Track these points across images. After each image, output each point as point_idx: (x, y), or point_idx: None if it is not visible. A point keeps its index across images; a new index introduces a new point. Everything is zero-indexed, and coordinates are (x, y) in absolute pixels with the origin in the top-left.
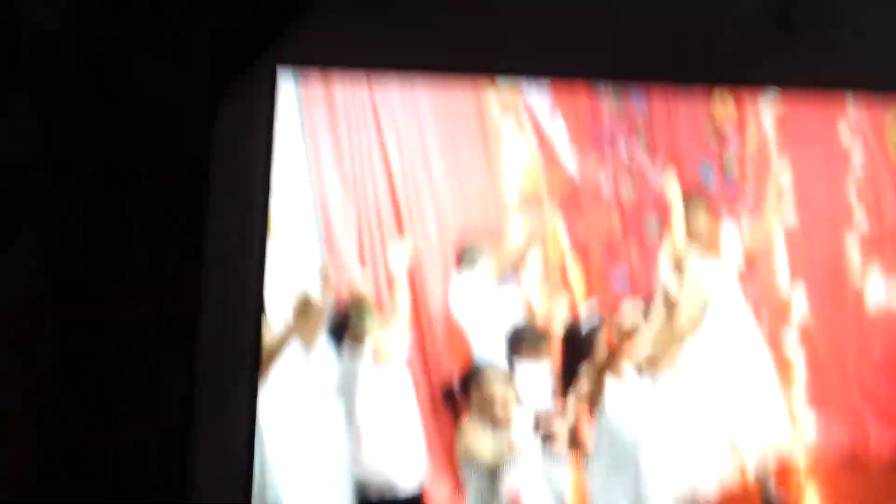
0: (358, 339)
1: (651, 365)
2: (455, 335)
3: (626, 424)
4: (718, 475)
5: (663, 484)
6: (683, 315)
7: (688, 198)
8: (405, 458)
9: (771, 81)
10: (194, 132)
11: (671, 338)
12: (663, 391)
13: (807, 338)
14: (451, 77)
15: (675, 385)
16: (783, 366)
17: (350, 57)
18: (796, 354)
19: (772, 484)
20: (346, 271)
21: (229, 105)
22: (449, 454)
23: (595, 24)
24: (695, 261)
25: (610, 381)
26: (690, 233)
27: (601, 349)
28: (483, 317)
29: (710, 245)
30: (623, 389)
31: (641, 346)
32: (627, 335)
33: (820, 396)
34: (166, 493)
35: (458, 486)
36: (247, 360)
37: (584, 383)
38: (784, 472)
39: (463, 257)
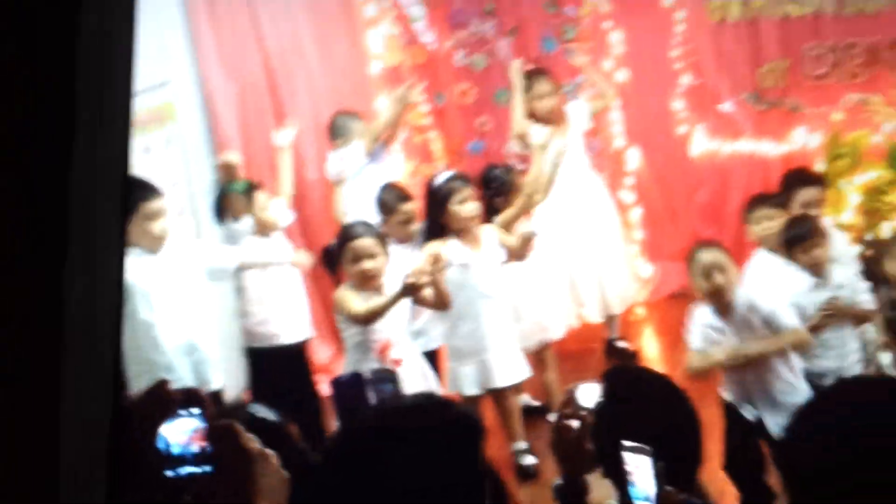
0: (237, 213)
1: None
2: (331, 206)
3: (475, 276)
4: (565, 318)
5: (507, 327)
6: (531, 180)
7: (532, 72)
8: (289, 315)
9: None
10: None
11: (524, 201)
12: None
13: (642, 188)
14: None
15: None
16: (622, 218)
17: None
18: (634, 205)
19: (616, 324)
20: (227, 151)
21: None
22: (328, 312)
23: None
24: (538, 131)
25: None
26: (535, 104)
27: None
28: (356, 188)
29: (554, 114)
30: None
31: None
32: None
33: (655, 244)
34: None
35: (337, 340)
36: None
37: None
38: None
39: (335, 134)
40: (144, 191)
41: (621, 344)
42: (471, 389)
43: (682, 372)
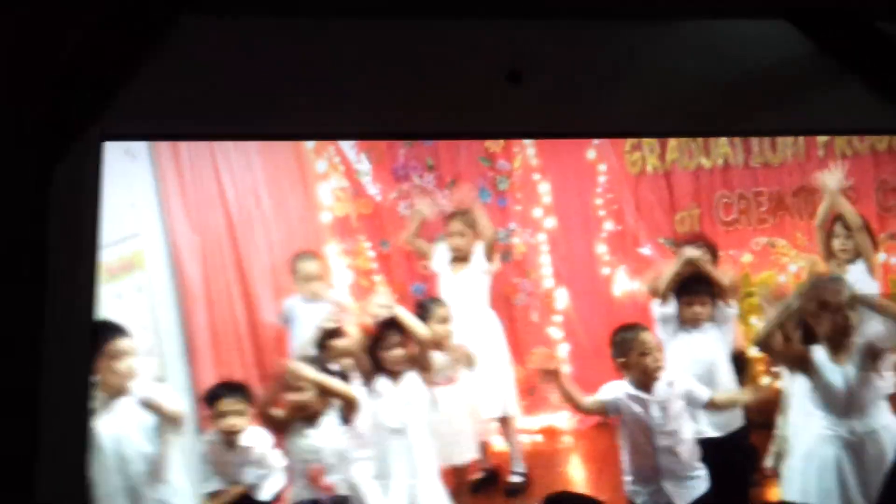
0: None
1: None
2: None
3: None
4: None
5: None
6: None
7: (453, 213)
8: None
9: (506, 132)
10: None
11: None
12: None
13: (569, 325)
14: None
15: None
16: (550, 356)
17: (170, 127)
18: (562, 341)
19: (516, 451)
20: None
21: (60, 176)
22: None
23: (372, 89)
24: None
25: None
26: (449, 241)
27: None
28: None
29: (461, 251)
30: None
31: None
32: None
33: (582, 377)
34: None
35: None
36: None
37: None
38: (551, 437)
39: (295, 273)
40: (111, 331)
41: (514, 479)
42: None
43: (609, 495)
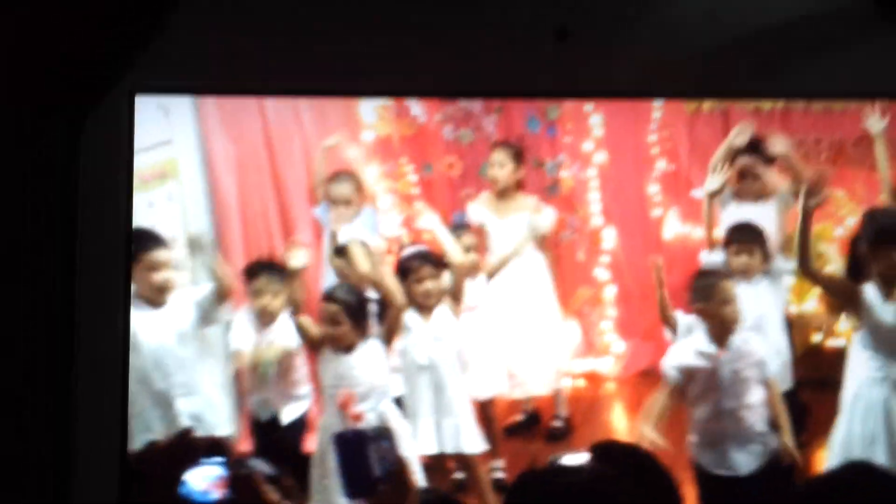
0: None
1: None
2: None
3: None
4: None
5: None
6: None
7: (496, 143)
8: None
9: (553, 92)
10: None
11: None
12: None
13: (617, 267)
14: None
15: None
16: (596, 296)
17: (204, 80)
18: (608, 283)
19: (561, 398)
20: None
21: (91, 130)
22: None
23: (417, 50)
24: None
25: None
26: (491, 173)
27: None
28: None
29: (508, 186)
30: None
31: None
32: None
33: (628, 322)
34: None
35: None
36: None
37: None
38: (594, 383)
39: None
40: (148, 241)
41: (556, 423)
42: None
43: None
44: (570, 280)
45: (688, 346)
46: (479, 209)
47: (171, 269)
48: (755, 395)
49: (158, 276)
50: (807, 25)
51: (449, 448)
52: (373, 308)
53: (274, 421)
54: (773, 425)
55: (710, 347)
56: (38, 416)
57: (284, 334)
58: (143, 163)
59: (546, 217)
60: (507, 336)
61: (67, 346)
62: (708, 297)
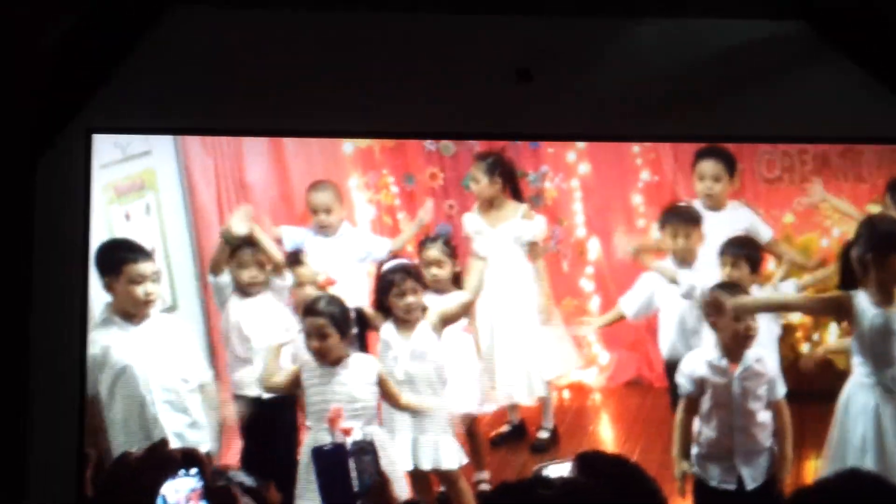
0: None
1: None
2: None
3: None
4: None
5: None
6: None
7: (478, 154)
8: None
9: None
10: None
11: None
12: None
13: (601, 277)
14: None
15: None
16: (580, 307)
17: (159, 121)
18: (593, 293)
19: (548, 408)
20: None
21: (46, 172)
22: None
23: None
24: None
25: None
26: (472, 187)
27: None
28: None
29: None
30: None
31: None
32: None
33: (613, 332)
34: None
35: None
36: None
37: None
38: (579, 394)
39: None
40: (131, 252)
41: (541, 434)
42: (406, 466)
43: (638, 456)
44: (556, 291)
45: (700, 356)
46: (472, 218)
47: (155, 282)
48: (765, 414)
49: (141, 290)
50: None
51: (426, 464)
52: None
53: (258, 399)
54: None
55: (721, 361)
56: None
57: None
58: (120, 174)
59: (535, 225)
60: (493, 345)
61: (24, 370)
62: (719, 311)
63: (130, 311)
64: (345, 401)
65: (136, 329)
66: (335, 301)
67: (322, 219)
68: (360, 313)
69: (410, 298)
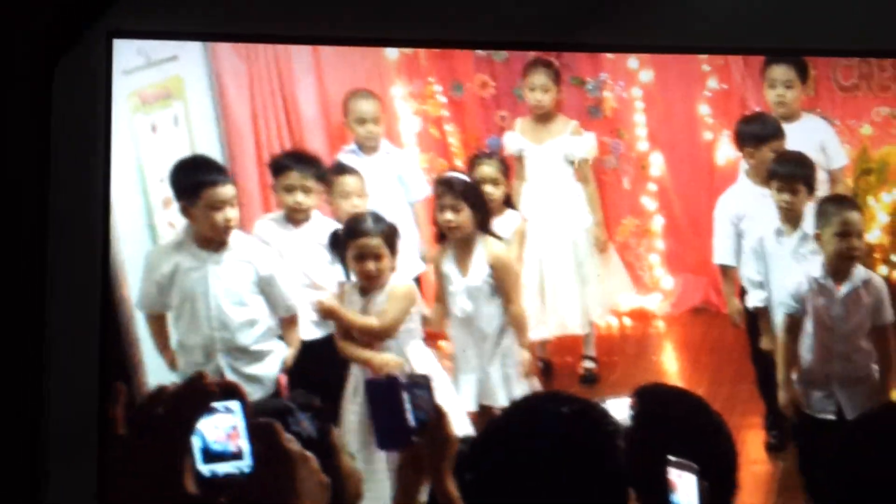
0: None
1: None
2: None
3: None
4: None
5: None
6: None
7: (532, 62)
8: None
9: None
10: (31, 104)
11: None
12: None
13: (664, 197)
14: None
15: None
16: (643, 227)
17: (186, 25)
18: (656, 213)
19: (590, 340)
20: None
21: (65, 77)
22: None
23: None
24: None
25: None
26: (528, 95)
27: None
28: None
29: (546, 111)
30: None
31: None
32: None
33: (677, 255)
34: None
35: None
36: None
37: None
38: (643, 321)
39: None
40: (209, 174)
41: (587, 364)
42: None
43: (705, 389)
44: (616, 209)
45: (805, 273)
46: (514, 137)
47: (234, 207)
48: (864, 341)
49: (220, 216)
50: None
51: (501, 400)
52: None
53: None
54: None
55: (826, 280)
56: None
57: (318, 233)
58: (144, 81)
59: (585, 142)
60: (543, 274)
61: (40, 302)
62: (823, 225)
63: (208, 236)
64: None
65: (211, 257)
66: (382, 219)
67: (370, 129)
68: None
69: (448, 215)
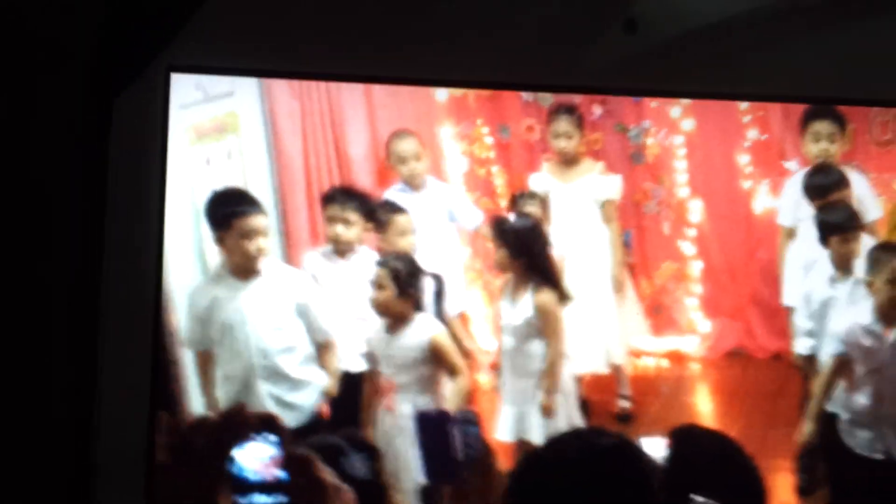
0: None
1: None
2: None
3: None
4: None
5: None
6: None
7: (556, 108)
8: None
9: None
10: (90, 137)
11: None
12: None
13: (703, 241)
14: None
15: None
16: (681, 271)
17: (243, 62)
18: (694, 260)
19: (623, 377)
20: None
21: (124, 111)
22: None
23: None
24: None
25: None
26: (553, 143)
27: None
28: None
29: (570, 157)
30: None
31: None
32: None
33: (713, 300)
34: None
35: None
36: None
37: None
38: (679, 363)
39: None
40: (240, 205)
41: (623, 403)
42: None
43: (737, 431)
44: (655, 254)
45: (853, 320)
46: (541, 177)
47: (266, 237)
48: None
49: (252, 245)
50: None
51: (535, 437)
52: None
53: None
54: None
55: (876, 325)
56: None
57: (362, 268)
58: (201, 116)
59: (612, 183)
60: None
61: (93, 325)
62: (876, 272)
63: (241, 265)
64: (400, 365)
65: (245, 286)
66: (406, 259)
67: (413, 167)
68: (440, 280)
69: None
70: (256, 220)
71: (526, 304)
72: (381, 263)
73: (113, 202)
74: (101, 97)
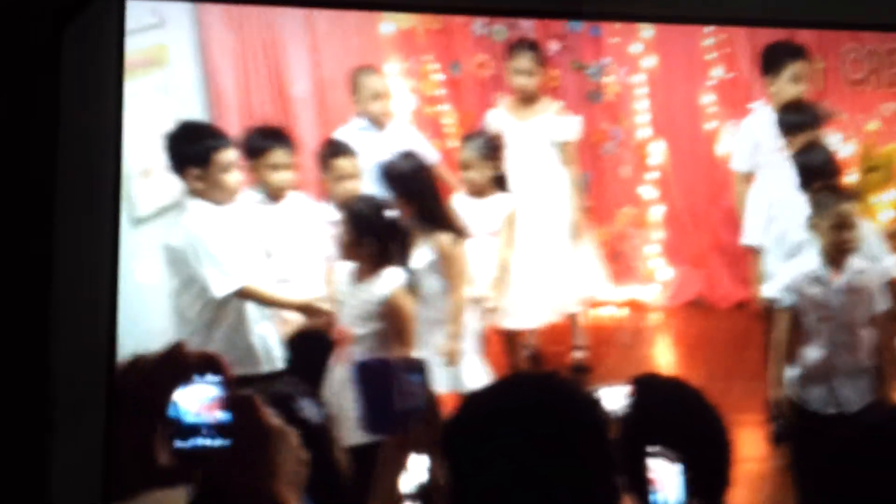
0: None
1: None
2: None
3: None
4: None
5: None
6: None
7: (516, 44)
8: None
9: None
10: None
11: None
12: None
13: (664, 186)
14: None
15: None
16: (640, 217)
17: None
18: (655, 205)
19: (578, 329)
20: None
21: (75, 35)
22: None
23: None
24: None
25: None
26: (513, 80)
27: None
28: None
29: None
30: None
31: None
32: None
33: (675, 247)
34: None
35: None
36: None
37: None
38: (639, 312)
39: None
40: (214, 138)
41: (577, 354)
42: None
43: (700, 383)
44: (613, 198)
45: (797, 267)
46: (498, 114)
47: (238, 168)
48: (867, 330)
49: (232, 178)
50: None
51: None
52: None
53: None
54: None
55: (822, 270)
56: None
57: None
58: (128, 47)
59: (570, 124)
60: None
61: (47, 263)
62: (819, 215)
63: (217, 199)
64: (357, 315)
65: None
66: (369, 201)
67: (384, 104)
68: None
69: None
70: (231, 152)
71: (425, 250)
72: (343, 206)
73: (66, 143)
74: (48, 30)
